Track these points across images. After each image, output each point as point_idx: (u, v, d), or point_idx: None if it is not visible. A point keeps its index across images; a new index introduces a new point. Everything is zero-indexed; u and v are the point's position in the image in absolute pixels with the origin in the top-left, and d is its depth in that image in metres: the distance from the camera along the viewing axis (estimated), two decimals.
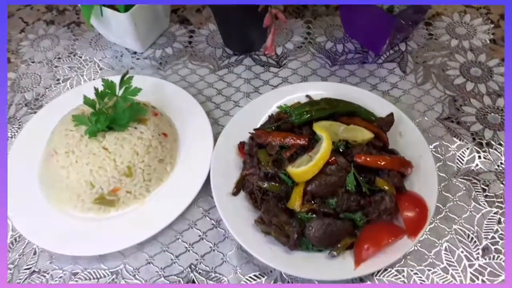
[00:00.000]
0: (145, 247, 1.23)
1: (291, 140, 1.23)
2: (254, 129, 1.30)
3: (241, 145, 1.34)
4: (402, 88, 1.53)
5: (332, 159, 1.16)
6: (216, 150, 1.32)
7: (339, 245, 1.11)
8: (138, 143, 1.27)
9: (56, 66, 1.75)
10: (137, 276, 1.19)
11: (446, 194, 1.27)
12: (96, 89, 1.27)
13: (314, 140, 1.23)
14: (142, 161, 1.27)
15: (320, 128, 1.20)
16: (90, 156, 1.24)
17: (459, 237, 1.19)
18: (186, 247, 1.22)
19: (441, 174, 1.31)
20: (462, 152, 1.36)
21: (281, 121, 1.30)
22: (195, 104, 1.45)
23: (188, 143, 1.39)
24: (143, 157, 1.27)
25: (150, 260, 1.21)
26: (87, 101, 1.27)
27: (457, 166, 1.32)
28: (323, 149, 1.15)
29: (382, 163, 1.16)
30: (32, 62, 1.78)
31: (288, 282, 1.15)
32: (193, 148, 1.37)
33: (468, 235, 1.20)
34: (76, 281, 1.19)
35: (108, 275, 1.20)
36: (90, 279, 1.20)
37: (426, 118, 1.44)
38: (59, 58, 1.78)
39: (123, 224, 1.23)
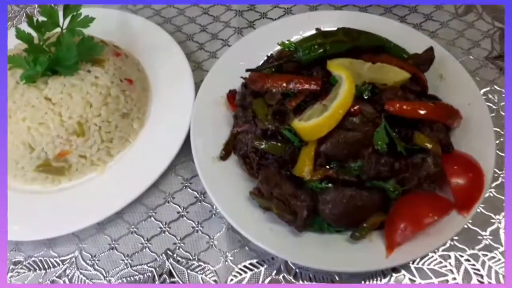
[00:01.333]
0: (107, 228, 0.95)
1: (298, 84, 0.92)
2: (247, 70, 0.97)
3: (231, 94, 1.03)
4: (439, 20, 1.20)
5: (355, 108, 0.85)
6: (197, 101, 1.01)
7: (365, 225, 0.82)
8: (91, 91, 0.95)
9: None
10: (96, 266, 0.91)
11: (502, 154, 0.97)
12: (30, 17, 0.93)
13: (328, 84, 0.91)
14: (98, 115, 0.96)
15: (339, 66, 0.87)
16: (28, 108, 0.93)
17: None
18: (160, 228, 0.94)
19: (495, 129, 1.00)
20: None
21: (283, 60, 0.97)
22: (171, 43, 1.13)
23: (162, 92, 1.08)
24: (99, 109, 0.95)
25: (114, 244, 0.93)
26: (20, 34, 0.94)
27: None
28: (343, 94, 0.83)
29: (424, 112, 0.85)
30: None
31: (296, 273, 0.87)
32: (169, 99, 1.06)
33: None
34: (18, 272, 0.91)
35: (59, 264, 0.92)
36: (35, 269, 0.92)
37: (471, 57, 1.12)
38: None
39: (78, 198, 0.95)
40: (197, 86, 1.05)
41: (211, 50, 1.20)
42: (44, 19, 0.94)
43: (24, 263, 0.93)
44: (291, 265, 0.88)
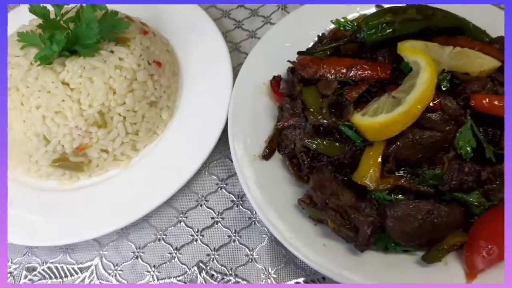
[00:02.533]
0: (131, 233, 0.84)
1: (361, 71, 0.77)
2: (299, 53, 0.82)
3: (276, 81, 0.89)
4: None
5: (434, 102, 0.70)
6: (236, 89, 0.88)
7: (444, 246, 0.67)
8: (115, 75, 0.83)
9: None
10: (118, 277, 0.80)
11: None
12: None
13: (399, 72, 0.76)
14: (123, 103, 0.84)
15: (415, 50, 0.72)
16: (43, 94, 0.81)
17: None
18: (192, 235, 0.82)
19: None
20: None
21: (342, 41, 0.82)
22: (205, 20, 0.98)
23: (194, 78, 0.95)
24: (123, 97, 0.83)
25: (138, 252, 0.82)
26: (34, 8, 0.81)
27: None
28: (423, 84, 0.69)
29: None
30: None
31: None
32: (202, 85, 0.93)
33: None
34: (31, 280, 0.80)
35: (77, 272, 0.81)
36: (50, 277, 0.81)
37: None
38: None
39: (98, 198, 0.84)
40: (235, 71, 0.93)
41: (250, 29, 1.06)
42: None
43: (38, 270, 0.83)
44: None
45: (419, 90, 0.68)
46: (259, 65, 0.92)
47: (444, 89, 0.75)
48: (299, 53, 0.82)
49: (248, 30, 1.06)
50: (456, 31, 0.85)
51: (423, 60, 0.70)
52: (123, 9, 0.95)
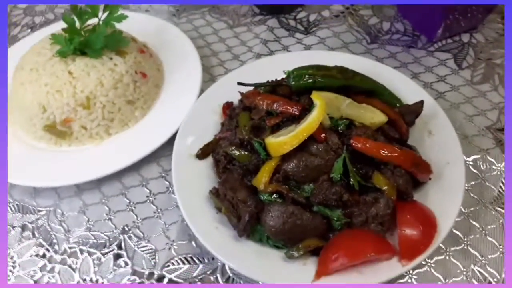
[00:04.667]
0: (84, 193, 1.08)
1: (281, 106, 1.00)
2: (239, 83, 1.08)
3: (227, 105, 1.13)
4: (451, 84, 1.23)
5: (322, 135, 0.91)
6: (196, 104, 1.12)
7: (300, 245, 0.85)
8: (107, 74, 1.12)
9: None
10: (63, 223, 1.03)
11: (473, 222, 0.96)
12: (76, 7, 1.13)
13: (309, 112, 0.98)
14: (106, 95, 1.11)
15: (319, 96, 0.95)
16: (52, 77, 1.11)
17: (475, 282, 0.88)
18: (127, 205, 1.04)
19: (473, 196, 0.99)
20: None
21: (276, 82, 1.07)
22: (193, 55, 1.28)
23: (170, 93, 1.22)
24: (108, 90, 1.11)
25: (84, 209, 1.05)
26: (66, 18, 1.14)
27: (499, 191, 1.00)
28: (311, 119, 0.90)
29: (387, 154, 0.88)
30: None
31: (229, 278, 0.92)
32: (174, 99, 1.19)
33: (490, 282, 0.87)
34: None
35: (35, 212, 1.05)
36: (16, 211, 1.06)
37: (472, 123, 1.13)
38: None
39: (69, 161, 1.09)
40: None
41: (228, 67, 1.33)
42: (88, 9, 1.14)
43: (10, 204, 1.07)
44: (227, 269, 0.92)
45: (306, 123, 0.90)
46: (220, 92, 1.16)
47: (340, 130, 0.96)
48: (239, 83, 1.07)
49: (226, 68, 1.33)
50: (373, 93, 1.08)
51: (318, 102, 0.93)
52: (136, 33, 1.28)
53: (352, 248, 0.83)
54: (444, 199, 0.91)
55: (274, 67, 1.18)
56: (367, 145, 0.89)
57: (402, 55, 1.32)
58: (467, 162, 1.04)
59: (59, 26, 1.23)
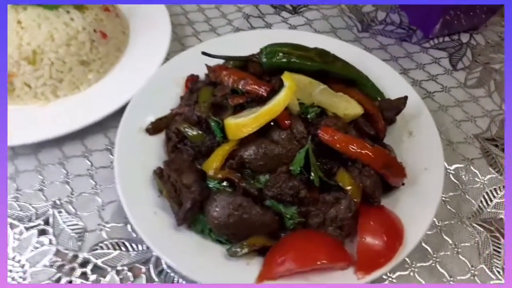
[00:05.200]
0: (19, 157, 0.96)
1: (247, 84, 0.88)
2: (203, 53, 0.96)
3: (191, 78, 1.02)
4: (442, 84, 1.12)
5: (286, 121, 0.80)
6: (157, 73, 1.01)
7: (244, 242, 0.74)
8: (60, 28, 1.00)
9: None
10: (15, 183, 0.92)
11: (445, 237, 0.86)
12: None
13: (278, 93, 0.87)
14: (56, 51, 0.99)
15: (289, 77, 0.83)
16: (9, 28, 0.98)
17: None
18: (64, 177, 0.92)
19: (449, 209, 0.90)
20: (494, 190, 0.92)
21: (246, 58, 0.95)
22: (165, 21, 1.16)
23: (132, 59, 1.10)
24: (58, 46, 0.99)
25: (15, 175, 0.93)
26: None
27: (479, 207, 0.90)
28: (276, 101, 0.79)
29: (356, 150, 0.77)
30: None
31: (163, 271, 0.81)
32: (135, 66, 1.07)
33: None
34: None
35: None
36: None
37: (460, 129, 1.02)
38: None
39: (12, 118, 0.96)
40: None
41: (203, 39, 1.21)
42: None
43: None
44: (162, 262, 0.81)
45: (270, 105, 0.79)
46: (186, 63, 1.04)
47: (309, 119, 0.85)
48: (203, 53, 0.95)
49: (201, 39, 1.22)
50: (354, 83, 0.96)
51: (287, 83, 0.81)
52: None
53: (303, 252, 0.73)
54: (416, 208, 0.81)
55: (252, 43, 1.05)
56: (335, 138, 0.79)
57: (393, 48, 1.21)
58: (448, 171, 0.94)
59: None
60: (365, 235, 0.75)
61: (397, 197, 0.83)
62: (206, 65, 0.99)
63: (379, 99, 0.96)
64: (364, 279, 0.72)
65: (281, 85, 0.88)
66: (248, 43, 1.05)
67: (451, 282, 0.81)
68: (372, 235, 0.75)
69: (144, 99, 0.97)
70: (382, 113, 0.90)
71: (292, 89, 0.81)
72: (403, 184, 0.84)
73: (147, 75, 1.02)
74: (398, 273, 0.81)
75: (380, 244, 0.74)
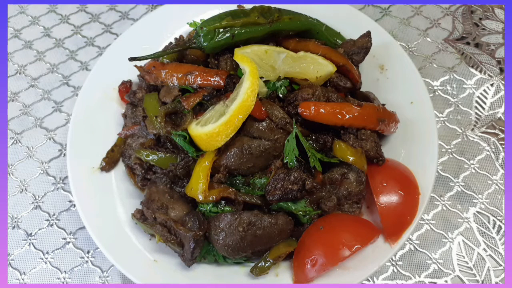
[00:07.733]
0: None
1: (198, 77, 0.75)
2: (130, 59, 0.79)
3: (124, 86, 0.88)
4: None
5: (261, 111, 0.69)
6: (82, 95, 0.87)
7: (267, 258, 0.67)
8: None
9: None
10: None
11: (459, 158, 0.84)
12: None
13: (237, 78, 0.75)
14: None
15: (245, 57, 0.71)
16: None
17: (480, 227, 0.78)
18: (32, 203, 0.80)
19: (451, 127, 0.88)
20: (484, 90, 0.89)
21: (181, 46, 0.80)
22: None
23: None
24: None
25: None
26: None
27: (476, 113, 0.87)
28: (243, 94, 0.68)
29: (346, 118, 0.69)
30: None
31: None
32: None
33: (494, 222, 0.77)
34: None
35: None
36: None
37: (428, 39, 0.97)
38: None
39: None
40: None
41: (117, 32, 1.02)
42: None
43: None
44: None
45: (239, 101, 0.68)
46: (109, 68, 0.88)
47: (280, 96, 0.74)
48: (130, 59, 0.79)
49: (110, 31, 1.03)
50: (307, 34, 0.85)
51: (248, 68, 0.70)
52: None
53: (332, 244, 0.67)
54: (418, 149, 0.77)
55: (177, 20, 0.91)
56: (321, 111, 0.70)
57: None
58: (435, 87, 0.91)
59: None
60: (383, 200, 0.70)
61: (394, 143, 0.78)
62: (136, 66, 0.83)
63: (339, 42, 0.85)
64: (396, 245, 0.68)
65: (235, 64, 0.77)
66: (172, 21, 0.91)
67: (478, 199, 0.79)
68: (389, 197, 0.71)
69: (82, 133, 0.82)
70: (351, 59, 0.80)
71: (254, 72, 0.71)
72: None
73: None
74: (432, 213, 0.79)
75: (399, 203, 0.71)
